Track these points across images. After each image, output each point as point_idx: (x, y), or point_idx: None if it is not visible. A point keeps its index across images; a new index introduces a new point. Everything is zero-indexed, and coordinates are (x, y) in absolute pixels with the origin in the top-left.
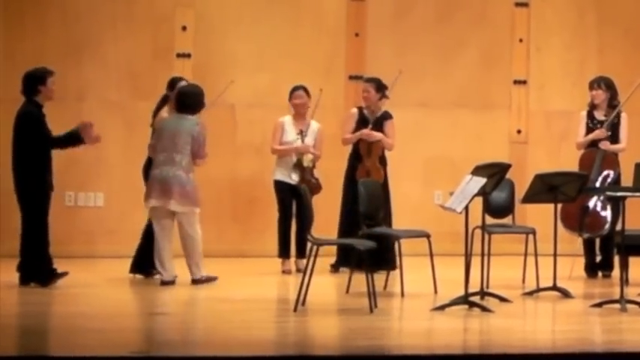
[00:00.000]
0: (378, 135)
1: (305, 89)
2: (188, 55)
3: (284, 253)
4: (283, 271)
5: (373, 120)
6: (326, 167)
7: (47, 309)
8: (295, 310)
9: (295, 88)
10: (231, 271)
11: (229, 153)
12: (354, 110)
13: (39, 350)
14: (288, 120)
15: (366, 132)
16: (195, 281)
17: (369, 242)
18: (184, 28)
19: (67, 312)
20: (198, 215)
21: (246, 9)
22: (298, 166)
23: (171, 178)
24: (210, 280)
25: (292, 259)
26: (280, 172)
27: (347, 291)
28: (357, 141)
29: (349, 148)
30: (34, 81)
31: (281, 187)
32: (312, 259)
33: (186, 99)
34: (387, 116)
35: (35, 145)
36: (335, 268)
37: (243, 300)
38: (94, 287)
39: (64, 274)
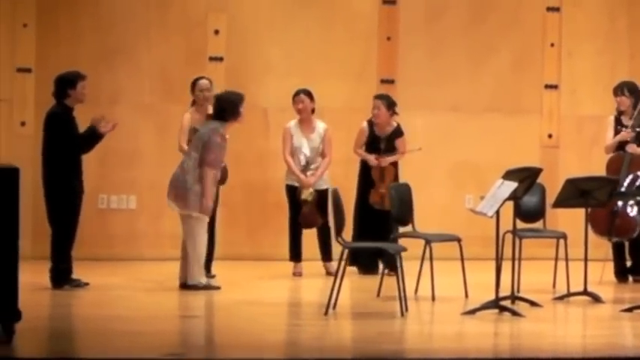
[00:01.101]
0: (388, 159)
1: (307, 93)
2: (220, 59)
3: (295, 256)
4: (294, 274)
5: (384, 138)
6: (353, 169)
7: (80, 312)
8: (326, 313)
9: (296, 93)
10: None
11: (261, 157)
12: (365, 125)
13: (71, 353)
14: (294, 125)
15: (376, 162)
16: (185, 286)
17: (400, 245)
18: (217, 32)
19: (100, 315)
20: (202, 222)
21: (278, 13)
22: (299, 198)
23: (175, 180)
24: (207, 288)
25: (302, 263)
26: (290, 177)
27: (378, 294)
28: (369, 165)
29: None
30: (64, 84)
31: (291, 191)
32: (342, 262)
33: (217, 105)
34: (398, 134)
35: (62, 147)
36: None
37: (273, 303)
38: (126, 290)
39: (82, 283)
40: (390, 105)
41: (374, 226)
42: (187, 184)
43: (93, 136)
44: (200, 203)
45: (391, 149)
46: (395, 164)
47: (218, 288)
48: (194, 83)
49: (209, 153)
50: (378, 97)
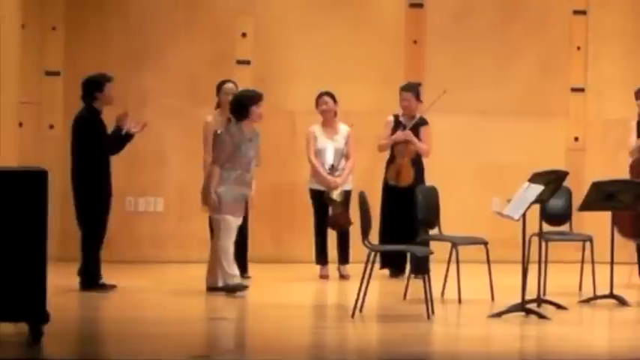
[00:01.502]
0: (409, 134)
1: (330, 95)
2: (248, 62)
3: (322, 259)
4: (321, 277)
5: (410, 125)
6: (380, 172)
7: (107, 314)
8: (353, 316)
9: (320, 95)
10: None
11: (288, 159)
12: (391, 118)
13: (99, 355)
14: (317, 128)
15: (400, 132)
16: (213, 289)
17: (426, 248)
18: (244, 35)
19: (127, 317)
20: (223, 224)
21: (305, 16)
22: (327, 200)
23: (204, 183)
24: (235, 290)
25: (329, 265)
26: (315, 181)
27: (404, 297)
28: (394, 145)
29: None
30: (91, 87)
31: (316, 195)
32: (369, 265)
33: (230, 105)
34: (422, 122)
35: (90, 150)
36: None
37: (299, 306)
38: (153, 292)
39: (111, 286)
40: (418, 95)
41: (400, 228)
42: (209, 186)
43: (123, 137)
44: (213, 203)
45: (416, 137)
46: (419, 164)
47: (245, 287)
48: (219, 86)
49: (213, 150)
50: (407, 88)
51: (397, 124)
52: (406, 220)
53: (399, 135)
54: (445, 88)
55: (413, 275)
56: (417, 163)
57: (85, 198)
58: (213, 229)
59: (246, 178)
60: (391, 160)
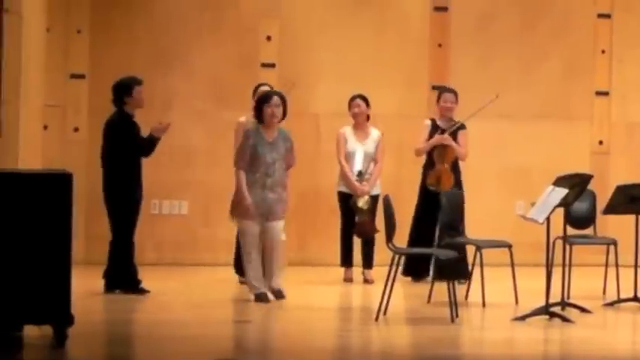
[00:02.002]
0: (448, 139)
1: (363, 98)
2: (273, 65)
3: (347, 261)
4: (345, 280)
5: (448, 129)
6: (410, 177)
7: (132, 316)
8: (377, 319)
9: (353, 97)
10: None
11: (312, 162)
12: (428, 122)
13: (124, 358)
14: (348, 130)
15: (439, 137)
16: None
17: (450, 252)
18: (269, 38)
19: (151, 320)
20: (240, 229)
21: (330, 19)
22: (354, 207)
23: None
24: (258, 299)
25: (353, 268)
26: (343, 183)
27: (428, 300)
28: (431, 149)
29: (423, 159)
30: (120, 90)
31: (344, 198)
32: (393, 268)
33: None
34: (461, 126)
35: (119, 154)
36: (407, 275)
37: (324, 309)
38: (178, 295)
39: (146, 291)
40: (458, 99)
41: (433, 231)
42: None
43: (151, 141)
44: (234, 208)
45: (454, 141)
46: (457, 169)
47: (268, 300)
48: (255, 89)
49: (236, 151)
50: (452, 90)
51: (435, 128)
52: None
53: (438, 138)
54: (497, 92)
55: (431, 278)
56: (456, 168)
57: (116, 201)
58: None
59: (266, 182)
60: (429, 165)
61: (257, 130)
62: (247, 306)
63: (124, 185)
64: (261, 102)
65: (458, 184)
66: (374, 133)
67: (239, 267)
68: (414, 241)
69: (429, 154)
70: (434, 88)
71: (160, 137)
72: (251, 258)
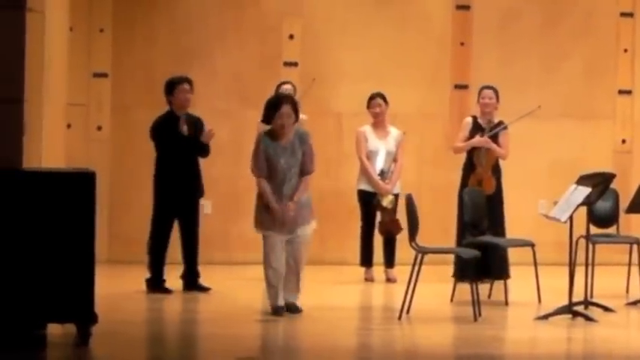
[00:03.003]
0: (489, 142)
1: (382, 97)
2: (295, 64)
3: (367, 261)
4: (366, 279)
5: (489, 128)
6: (431, 176)
7: (155, 315)
8: (400, 318)
9: (372, 96)
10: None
11: (334, 161)
12: (469, 119)
13: (147, 356)
14: (368, 129)
15: (479, 139)
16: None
17: (474, 251)
18: (291, 37)
19: (174, 319)
20: (264, 241)
21: (352, 18)
22: (378, 206)
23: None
24: (274, 312)
25: (374, 267)
26: (364, 182)
27: (451, 299)
28: (471, 149)
29: (461, 157)
30: (165, 90)
31: (365, 196)
32: (417, 267)
33: None
34: (503, 127)
35: (162, 155)
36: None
37: (346, 308)
38: (201, 294)
39: (170, 290)
40: (498, 96)
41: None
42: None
43: (200, 145)
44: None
45: (495, 141)
46: (498, 170)
47: (282, 314)
48: (278, 87)
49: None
50: (490, 87)
51: (476, 127)
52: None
53: (480, 141)
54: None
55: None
56: (497, 170)
57: (154, 200)
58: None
59: (282, 190)
60: (470, 167)
61: (270, 133)
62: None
63: (158, 185)
64: (271, 108)
65: (499, 186)
66: (393, 131)
67: None
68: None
69: (469, 154)
70: (456, 87)
71: (206, 143)
72: (273, 271)
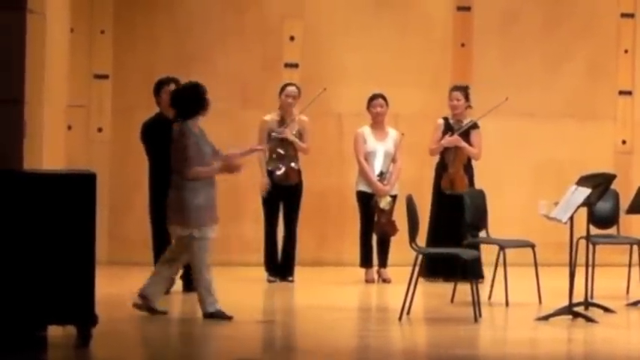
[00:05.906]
0: (459, 140)
1: (383, 97)
2: (296, 66)
3: (367, 262)
4: (367, 280)
5: (459, 129)
6: (432, 177)
7: (156, 316)
8: (400, 319)
9: (373, 97)
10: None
11: (335, 162)
12: (440, 121)
13: (149, 358)
14: (367, 130)
15: (448, 138)
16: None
17: (474, 252)
18: (292, 39)
19: (174, 320)
20: (205, 242)
21: (353, 19)
22: (375, 207)
23: (168, 201)
24: (216, 317)
25: (374, 269)
26: (362, 183)
27: (451, 300)
28: (443, 150)
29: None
30: (153, 92)
31: (364, 197)
32: (416, 268)
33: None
34: (473, 126)
35: (150, 157)
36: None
37: (346, 309)
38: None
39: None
40: (467, 96)
41: (449, 231)
42: (180, 199)
43: None
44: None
45: (467, 142)
46: (470, 169)
47: (229, 318)
48: (282, 88)
49: (181, 156)
50: (458, 88)
51: (447, 127)
52: (458, 225)
53: (449, 140)
54: (506, 95)
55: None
56: (468, 169)
57: (150, 204)
58: (189, 249)
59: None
60: (442, 167)
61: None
62: (269, 306)
63: (153, 189)
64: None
65: (472, 184)
66: (392, 132)
67: (269, 265)
68: (432, 242)
69: (441, 155)
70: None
71: None
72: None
